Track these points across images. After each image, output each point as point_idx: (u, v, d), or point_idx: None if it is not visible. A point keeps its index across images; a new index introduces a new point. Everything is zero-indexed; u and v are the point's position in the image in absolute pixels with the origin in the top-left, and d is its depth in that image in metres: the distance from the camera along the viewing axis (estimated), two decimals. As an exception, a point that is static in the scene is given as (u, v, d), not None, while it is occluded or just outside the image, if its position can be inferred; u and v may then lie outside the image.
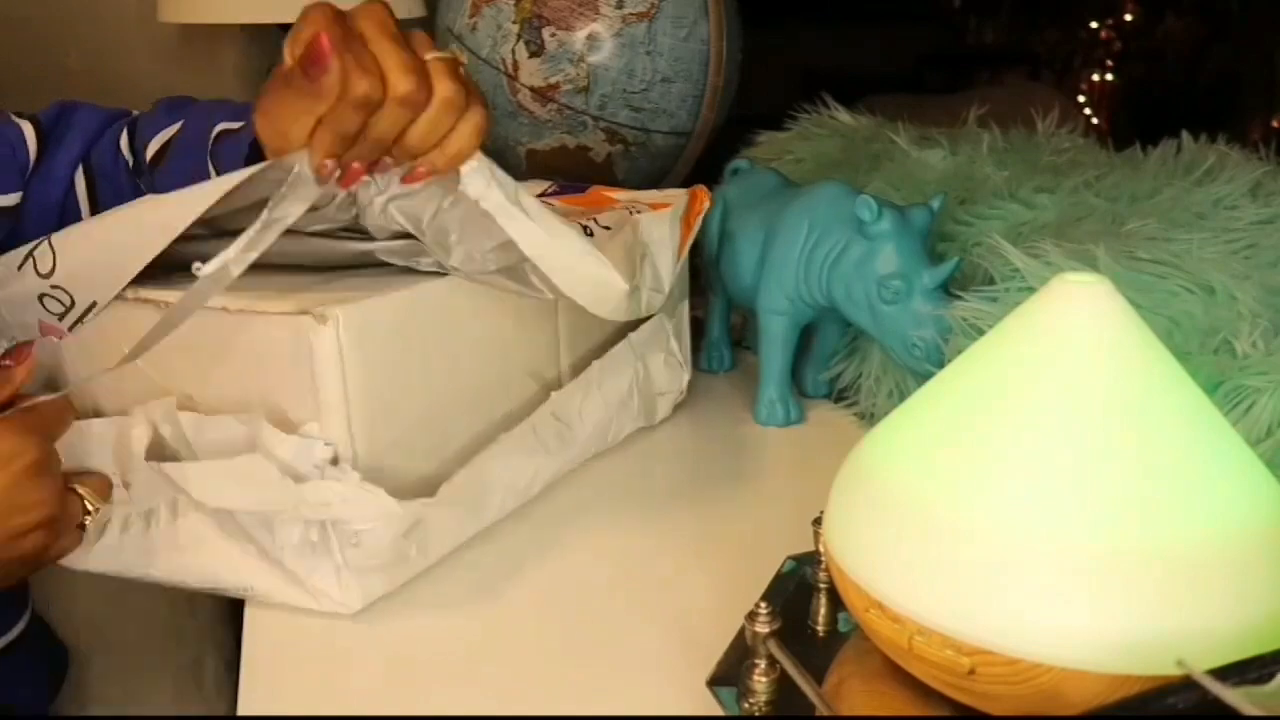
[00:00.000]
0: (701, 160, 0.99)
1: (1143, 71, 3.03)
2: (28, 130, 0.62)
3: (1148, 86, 3.01)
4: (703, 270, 0.79)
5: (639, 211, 0.66)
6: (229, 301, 0.48)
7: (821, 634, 0.44)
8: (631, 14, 0.88)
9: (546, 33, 0.88)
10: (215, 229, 0.52)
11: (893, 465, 0.38)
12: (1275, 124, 2.58)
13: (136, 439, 0.49)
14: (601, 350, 0.65)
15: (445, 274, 0.54)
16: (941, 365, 0.54)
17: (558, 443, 0.60)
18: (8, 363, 0.46)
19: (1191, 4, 2.94)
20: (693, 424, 0.72)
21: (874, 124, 0.95)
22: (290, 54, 0.46)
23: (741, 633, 0.42)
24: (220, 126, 0.56)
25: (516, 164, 0.95)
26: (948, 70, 2.98)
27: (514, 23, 0.89)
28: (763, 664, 0.39)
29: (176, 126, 0.59)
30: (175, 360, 0.50)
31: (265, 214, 0.45)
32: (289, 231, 0.47)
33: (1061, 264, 0.57)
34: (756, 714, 0.39)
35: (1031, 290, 0.46)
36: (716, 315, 0.81)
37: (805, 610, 0.45)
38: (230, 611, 1.02)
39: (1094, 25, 3.08)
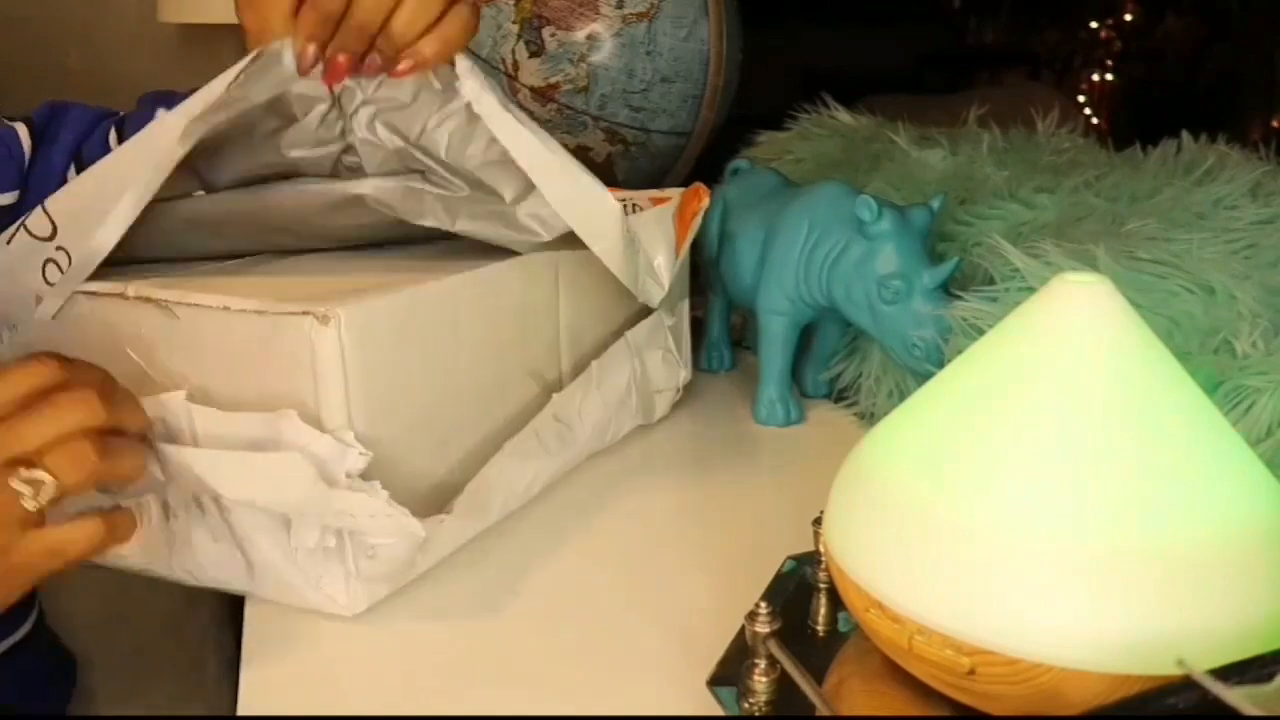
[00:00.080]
0: (701, 160, 0.99)
1: (1143, 71, 3.03)
2: (21, 130, 0.63)
3: (1148, 86, 3.01)
4: (703, 270, 0.79)
5: (639, 209, 0.66)
6: (231, 301, 0.48)
7: (821, 634, 0.44)
8: (631, 14, 0.88)
9: (546, 33, 0.88)
10: (209, 184, 0.52)
11: (893, 465, 0.38)
12: (1275, 124, 2.58)
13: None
14: (602, 349, 0.65)
15: (445, 275, 0.54)
16: (941, 365, 0.54)
17: (559, 444, 0.60)
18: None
19: (1191, 4, 2.94)
20: (692, 423, 0.72)
21: (874, 124, 0.95)
22: None
23: (741, 633, 0.42)
24: None
25: (516, 164, 0.95)
26: (948, 70, 2.97)
27: (514, 23, 0.89)
28: (763, 664, 0.39)
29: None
30: (175, 359, 0.50)
31: (225, 90, 0.45)
32: (284, 178, 0.47)
33: (1061, 264, 0.57)
34: (756, 714, 0.39)
35: (1031, 290, 0.46)
36: (716, 315, 0.81)
37: (805, 610, 0.45)
38: (230, 611, 1.02)
39: (1094, 25, 3.08)
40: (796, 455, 0.68)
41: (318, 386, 0.47)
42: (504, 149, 0.53)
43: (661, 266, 0.63)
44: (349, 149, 0.56)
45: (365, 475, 0.46)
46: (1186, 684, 0.27)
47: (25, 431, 0.39)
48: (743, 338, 0.85)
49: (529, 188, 0.55)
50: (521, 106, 0.90)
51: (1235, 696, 0.26)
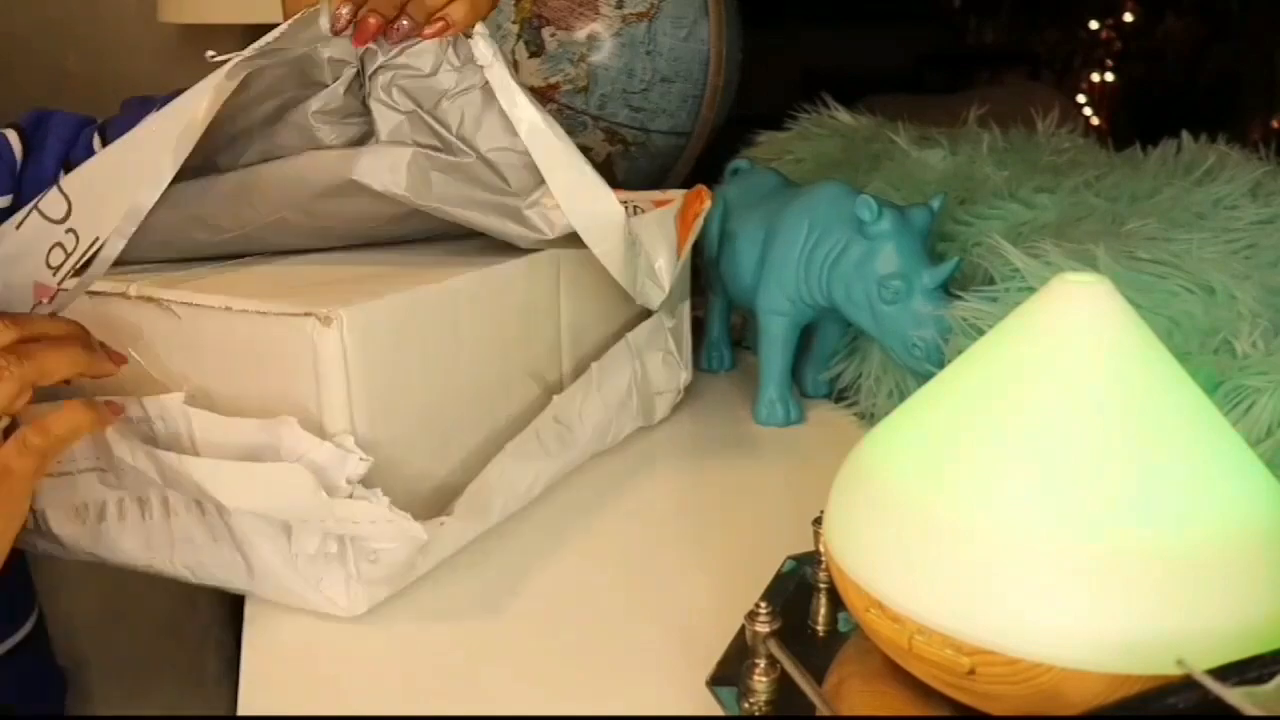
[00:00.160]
0: (701, 160, 0.99)
1: (1143, 71, 3.02)
2: (12, 136, 0.64)
3: (1148, 86, 3.01)
4: (703, 270, 0.79)
5: (640, 211, 0.66)
6: (233, 301, 0.48)
7: (821, 634, 0.44)
8: (631, 14, 0.88)
9: (546, 33, 0.88)
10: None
11: (893, 465, 0.38)
12: (1275, 124, 2.58)
13: (116, 440, 0.49)
14: (603, 351, 0.65)
15: (447, 276, 0.54)
16: (941, 365, 0.54)
17: (559, 445, 0.60)
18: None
19: (1191, 4, 2.94)
20: (692, 424, 0.72)
21: (874, 124, 0.95)
22: None
23: (741, 633, 0.42)
24: None
25: (516, 164, 0.95)
26: (948, 70, 2.97)
27: (514, 23, 0.89)
28: (763, 664, 0.39)
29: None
30: (176, 359, 0.50)
31: (263, 42, 0.49)
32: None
33: (1061, 264, 0.57)
34: (756, 714, 0.39)
35: (1031, 290, 0.46)
36: (716, 315, 0.81)
37: (805, 610, 0.45)
38: (230, 611, 1.02)
39: (1094, 25, 3.07)
40: (796, 455, 0.68)
41: (319, 387, 0.47)
42: (515, 140, 0.54)
43: (663, 269, 0.63)
44: (369, 134, 0.57)
45: (367, 477, 0.46)
46: (1186, 684, 0.27)
47: None
48: (743, 338, 0.85)
49: (537, 183, 0.55)
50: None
51: (1235, 696, 0.26)
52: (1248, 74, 2.71)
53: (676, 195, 0.69)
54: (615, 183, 0.90)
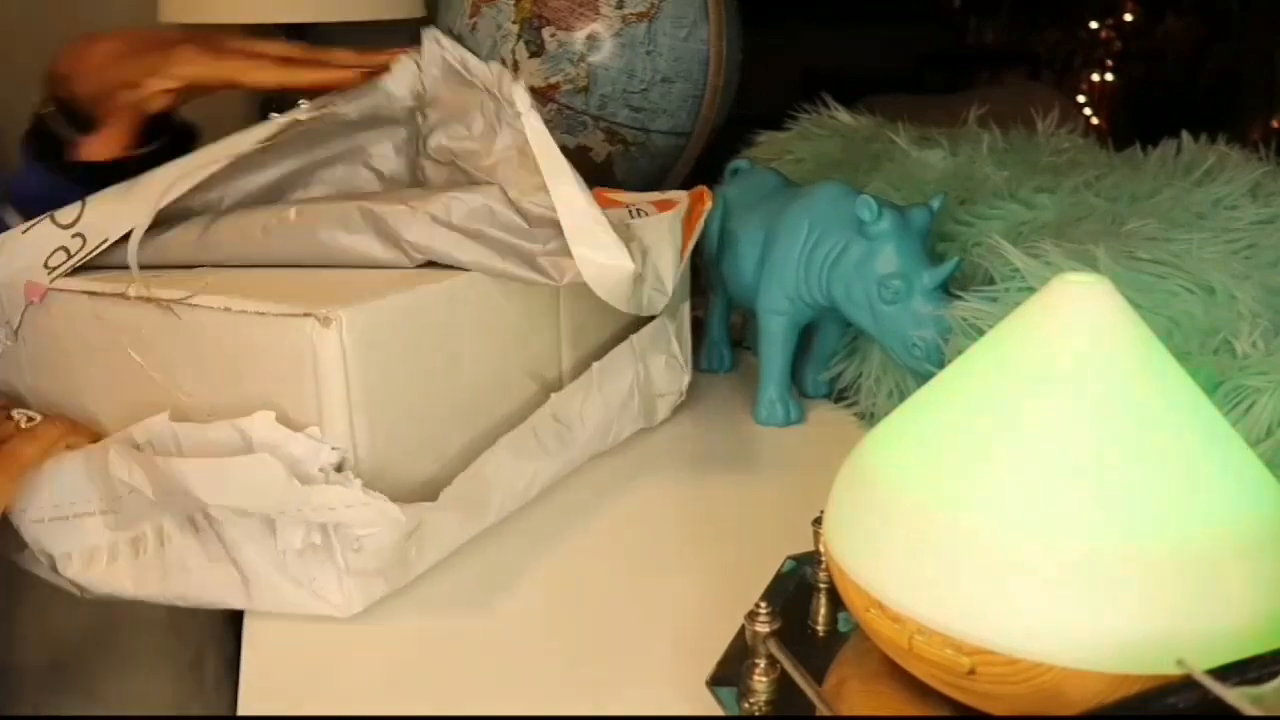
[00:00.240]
0: (701, 160, 0.99)
1: (1143, 71, 3.02)
2: None
3: (1148, 86, 3.01)
4: (703, 270, 0.79)
5: (643, 213, 0.66)
6: (232, 302, 0.48)
7: (821, 634, 0.44)
8: (631, 14, 0.88)
9: (546, 33, 0.88)
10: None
11: (893, 465, 0.38)
12: (1275, 124, 2.58)
13: (115, 461, 0.49)
14: (603, 351, 0.65)
15: (447, 277, 0.54)
16: (941, 365, 0.54)
17: (558, 444, 0.60)
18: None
19: (1191, 4, 2.94)
20: (693, 424, 0.72)
21: (874, 124, 0.95)
22: None
23: (741, 633, 0.42)
24: None
25: (516, 164, 0.95)
26: (948, 70, 2.97)
27: (514, 23, 0.89)
28: (763, 664, 0.39)
29: None
30: (176, 360, 0.50)
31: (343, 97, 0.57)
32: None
33: (1061, 264, 0.57)
34: (756, 714, 0.39)
35: (1031, 290, 0.46)
36: (716, 315, 0.81)
37: (805, 610, 0.45)
38: (230, 611, 1.02)
39: (1094, 25, 3.07)
40: (796, 455, 0.68)
41: (319, 388, 0.47)
42: (547, 199, 0.55)
43: (667, 275, 0.63)
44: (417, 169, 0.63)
45: (368, 477, 0.46)
46: (1186, 684, 0.27)
47: None
48: (743, 338, 0.85)
49: (555, 234, 0.55)
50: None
51: (1235, 696, 0.26)
52: (1248, 74, 2.71)
53: (680, 196, 0.69)
54: (615, 183, 0.91)
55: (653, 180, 0.95)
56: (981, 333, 0.51)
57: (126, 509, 0.50)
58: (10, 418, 0.53)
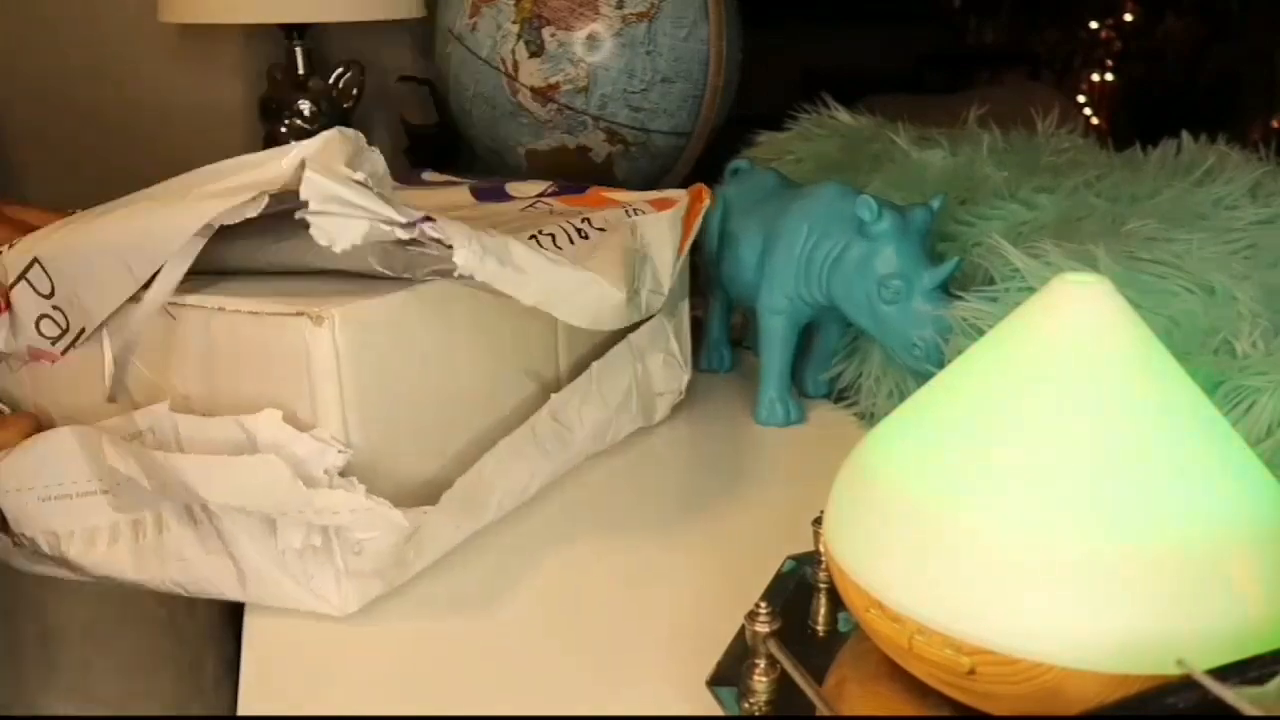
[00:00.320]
0: (701, 160, 0.99)
1: (1143, 71, 3.02)
2: None
3: (1148, 86, 3.01)
4: (703, 270, 0.79)
5: (640, 212, 0.66)
6: (225, 301, 0.48)
7: (821, 634, 0.44)
8: (631, 14, 0.88)
9: (546, 33, 0.88)
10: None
11: (893, 465, 0.38)
12: (1275, 124, 2.58)
13: (110, 451, 0.49)
14: (601, 350, 0.65)
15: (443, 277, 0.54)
16: (941, 365, 0.54)
17: (556, 444, 0.60)
18: None
19: (1191, 4, 2.94)
20: (692, 424, 0.72)
21: (874, 124, 0.95)
22: None
23: (741, 633, 0.42)
24: None
25: (516, 164, 0.95)
26: (948, 70, 2.97)
27: (514, 23, 0.89)
28: (763, 664, 0.39)
29: None
30: (171, 359, 0.50)
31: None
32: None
33: (1061, 264, 0.57)
34: (756, 714, 0.39)
35: (1031, 290, 0.46)
36: (716, 315, 0.81)
37: (805, 610, 0.45)
38: (230, 611, 1.02)
39: (1094, 25, 3.08)
40: (796, 455, 0.68)
41: (313, 387, 0.47)
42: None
43: (664, 274, 0.63)
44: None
45: (362, 476, 0.46)
46: (1186, 684, 0.27)
47: None
48: (743, 338, 0.85)
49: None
50: (523, 107, 0.90)
51: (1235, 696, 0.26)
52: (1248, 74, 2.71)
53: (679, 195, 0.69)
54: (615, 183, 0.91)
55: (653, 180, 0.95)
56: (981, 333, 0.51)
57: (124, 494, 0.50)
58: None
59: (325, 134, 0.47)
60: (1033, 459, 0.34)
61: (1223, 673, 0.28)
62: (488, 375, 0.58)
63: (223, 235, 0.48)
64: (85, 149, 1.14)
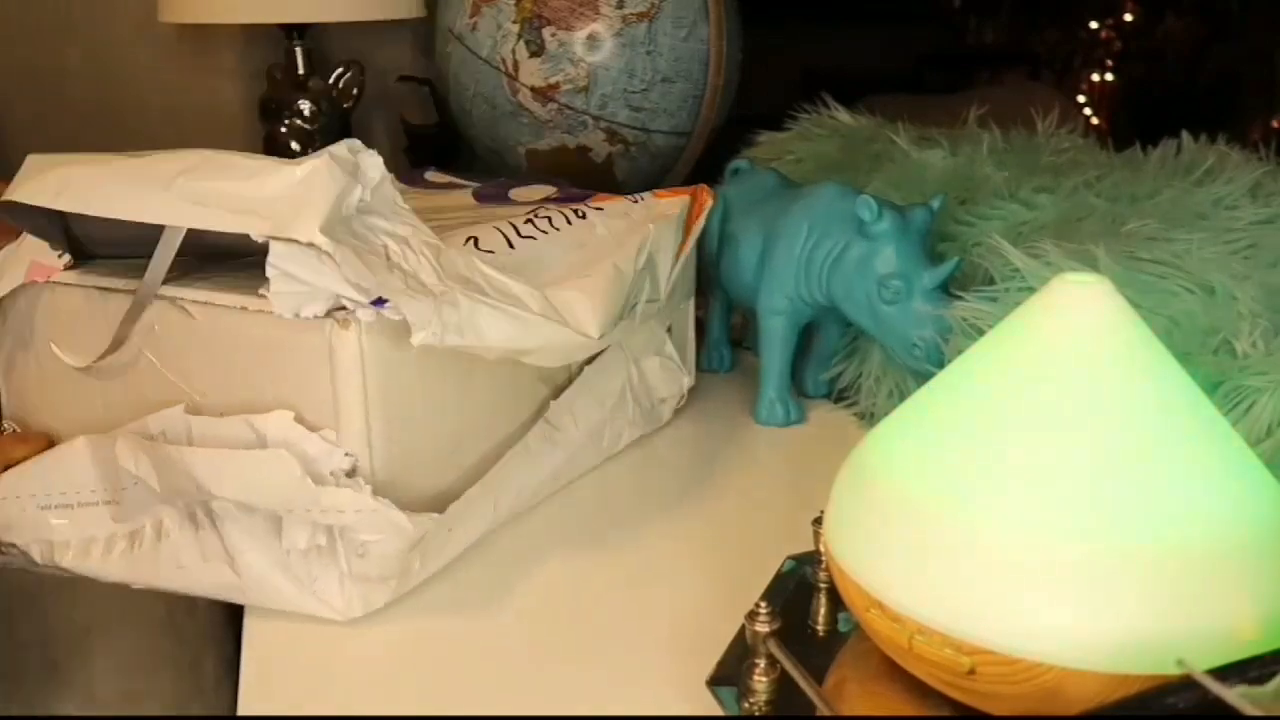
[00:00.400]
0: (701, 160, 0.99)
1: (1143, 71, 3.02)
2: None
3: (1148, 86, 3.01)
4: (703, 270, 0.79)
5: (643, 199, 0.66)
6: (248, 301, 0.48)
7: (821, 634, 0.44)
8: (631, 14, 0.88)
9: (547, 33, 0.88)
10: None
11: (893, 465, 0.38)
12: (1275, 124, 2.58)
13: (123, 451, 0.49)
14: None
15: None
16: (941, 365, 0.53)
17: (549, 446, 0.60)
18: None
19: (1191, 4, 2.94)
20: (693, 424, 0.72)
21: (874, 124, 0.95)
22: None
23: (741, 633, 0.42)
24: None
25: (517, 164, 0.95)
26: (948, 70, 2.97)
27: (514, 23, 0.89)
28: (763, 664, 0.39)
29: None
30: (191, 359, 0.50)
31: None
32: None
33: (1061, 264, 0.57)
34: (756, 714, 0.39)
35: (1031, 290, 0.46)
36: (716, 315, 0.81)
37: (805, 610, 0.45)
38: (230, 612, 1.02)
39: (1094, 25, 3.08)
40: (796, 455, 0.68)
41: (336, 390, 0.47)
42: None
43: (662, 277, 0.63)
44: None
45: (380, 481, 0.46)
46: (1186, 684, 0.27)
47: None
48: (743, 338, 0.85)
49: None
50: (523, 107, 0.90)
51: (1235, 696, 0.26)
52: (1248, 74, 2.71)
53: (680, 194, 0.69)
54: (615, 182, 0.91)
55: (653, 180, 0.95)
56: (981, 333, 0.51)
57: (129, 500, 0.50)
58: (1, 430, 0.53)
59: (315, 168, 0.46)
60: (1033, 459, 0.34)
61: (1223, 673, 0.28)
62: (507, 381, 0.57)
63: None
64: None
